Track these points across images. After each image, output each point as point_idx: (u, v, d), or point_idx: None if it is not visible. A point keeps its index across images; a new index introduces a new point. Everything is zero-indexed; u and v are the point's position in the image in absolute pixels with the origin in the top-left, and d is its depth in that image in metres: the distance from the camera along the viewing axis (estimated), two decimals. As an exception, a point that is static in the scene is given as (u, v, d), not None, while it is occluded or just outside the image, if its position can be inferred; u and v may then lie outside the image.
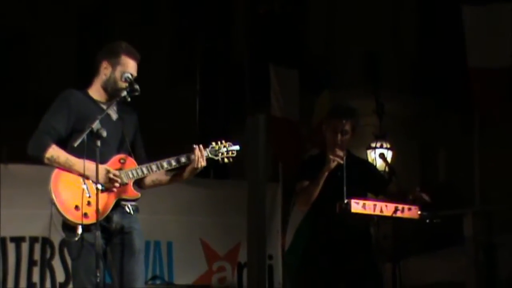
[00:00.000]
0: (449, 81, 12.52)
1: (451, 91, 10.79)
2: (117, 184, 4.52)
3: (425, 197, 5.46)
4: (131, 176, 4.60)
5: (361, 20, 15.63)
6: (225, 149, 4.80)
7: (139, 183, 4.72)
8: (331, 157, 5.44)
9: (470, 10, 7.74)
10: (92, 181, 4.42)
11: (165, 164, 4.65)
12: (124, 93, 4.58)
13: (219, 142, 4.81)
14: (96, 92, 4.71)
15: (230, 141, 4.83)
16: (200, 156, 4.66)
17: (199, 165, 4.68)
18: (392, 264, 5.67)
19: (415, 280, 7.34)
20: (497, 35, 7.55)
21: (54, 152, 4.50)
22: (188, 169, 4.72)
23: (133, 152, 4.69)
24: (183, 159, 4.69)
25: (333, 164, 5.45)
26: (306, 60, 15.45)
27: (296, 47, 15.55)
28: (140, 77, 4.69)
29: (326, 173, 5.48)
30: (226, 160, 4.81)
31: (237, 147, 4.83)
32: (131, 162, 4.64)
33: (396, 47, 16.05)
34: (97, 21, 17.75)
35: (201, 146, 4.70)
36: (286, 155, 8.84)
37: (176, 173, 4.77)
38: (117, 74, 4.65)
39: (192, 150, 4.68)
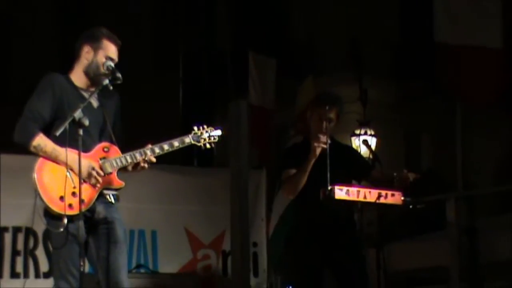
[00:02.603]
0: (432, 65, 12.54)
1: (433, 75, 10.81)
2: (100, 180, 4.51)
3: (411, 175, 5.48)
4: (115, 165, 4.58)
5: (344, 6, 15.64)
6: (207, 134, 4.79)
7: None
8: (315, 144, 5.45)
9: None
10: (76, 173, 4.41)
11: (148, 152, 4.64)
12: (106, 82, 4.55)
13: (201, 128, 4.80)
14: (77, 77, 4.67)
15: (212, 127, 4.83)
16: (144, 160, 4.60)
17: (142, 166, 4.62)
18: (376, 249, 5.70)
19: (398, 265, 7.39)
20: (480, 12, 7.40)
21: (41, 140, 4.47)
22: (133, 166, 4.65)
23: (113, 133, 4.66)
24: (166, 146, 4.67)
25: (318, 151, 5.47)
26: (289, 46, 15.45)
27: (279, 33, 15.53)
28: (123, 64, 4.67)
29: (312, 161, 5.49)
30: (208, 145, 4.80)
31: (218, 132, 4.82)
32: (115, 150, 4.62)
33: (378, 33, 16.07)
34: (78, 7, 17.65)
35: (149, 149, 4.64)
36: (259, 143, 8.88)
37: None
38: (99, 58, 4.62)
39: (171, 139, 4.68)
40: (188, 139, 4.74)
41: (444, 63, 7.49)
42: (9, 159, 6.87)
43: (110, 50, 4.65)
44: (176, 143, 4.70)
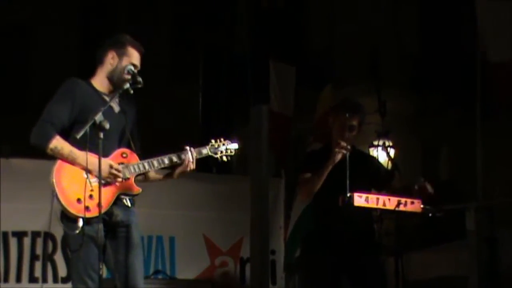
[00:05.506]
0: (450, 77, 12.52)
1: (452, 87, 10.78)
2: (119, 179, 4.53)
3: (429, 187, 5.46)
4: (133, 171, 4.61)
5: (363, 17, 15.64)
6: (224, 147, 4.86)
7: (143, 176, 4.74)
8: (336, 150, 5.44)
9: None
10: (95, 175, 4.42)
11: (166, 161, 4.67)
12: (127, 86, 4.60)
13: (218, 140, 4.87)
14: (99, 83, 4.71)
15: (229, 140, 4.89)
16: (191, 159, 4.69)
17: (188, 169, 4.71)
18: (394, 258, 5.67)
19: (417, 275, 7.35)
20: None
21: (58, 143, 4.49)
22: (179, 170, 4.75)
23: (132, 139, 4.70)
24: (183, 156, 4.72)
25: (338, 157, 5.45)
26: (308, 56, 15.45)
27: (298, 42, 15.54)
28: (142, 73, 4.71)
29: (330, 166, 5.48)
30: (224, 158, 4.88)
31: (235, 146, 4.91)
32: (133, 156, 4.66)
33: (397, 44, 16.04)
34: (97, 17, 17.75)
35: (192, 149, 4.72)
36: (278, 149, 8.91)
37: (168, 173, 4.82)
38: (124, 64, 4.67)
39: (186, 149, 4.72)
40: (205, 151, 4.81)
41: (499, 81, 7.41)
42: (28, 164, 6.92)
43: (134, 56, 4.71)
44: (184, 156, 4.74)
